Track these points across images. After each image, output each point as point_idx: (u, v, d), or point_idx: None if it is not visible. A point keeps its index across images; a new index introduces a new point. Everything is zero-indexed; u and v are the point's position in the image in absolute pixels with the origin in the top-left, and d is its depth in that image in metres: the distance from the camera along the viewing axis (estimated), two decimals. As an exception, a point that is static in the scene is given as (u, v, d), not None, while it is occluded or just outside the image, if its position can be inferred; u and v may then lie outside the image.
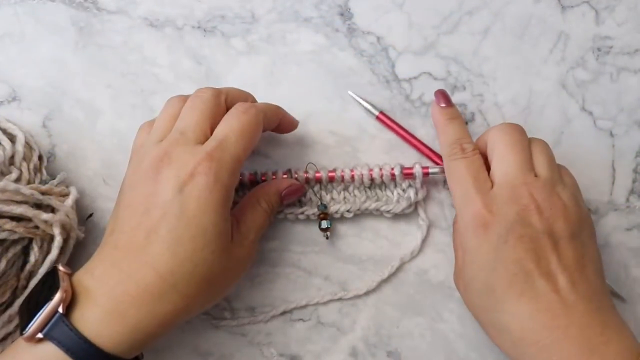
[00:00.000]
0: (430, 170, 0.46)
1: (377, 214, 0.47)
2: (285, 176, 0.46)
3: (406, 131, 0.48)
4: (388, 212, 0.47)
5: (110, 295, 0.35)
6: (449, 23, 0.51)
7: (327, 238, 0.47)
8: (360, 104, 0.49)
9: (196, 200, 0.36)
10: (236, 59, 0.51)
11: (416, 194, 0.46)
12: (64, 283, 0.36)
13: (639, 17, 0.51)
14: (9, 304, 0.42)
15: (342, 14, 0.52)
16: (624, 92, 0.50)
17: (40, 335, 0.34)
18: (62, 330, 0.34)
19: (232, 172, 0.38)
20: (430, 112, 0.47)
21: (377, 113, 0.48)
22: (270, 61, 0.51)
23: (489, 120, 0.50)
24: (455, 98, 0.50)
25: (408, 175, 0.46)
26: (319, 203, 0.46)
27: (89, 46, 0.52)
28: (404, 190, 0.46)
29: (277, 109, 0.45)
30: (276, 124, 0.45)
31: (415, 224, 0.48)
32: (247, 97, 0.44)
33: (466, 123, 0.50)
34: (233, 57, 0.51)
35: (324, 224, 0.46)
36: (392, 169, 0.45)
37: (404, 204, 0.46)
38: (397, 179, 0.46)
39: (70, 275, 0.37)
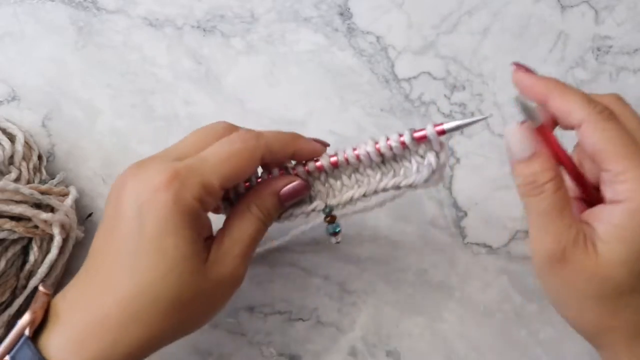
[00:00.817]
0: (445, 127, 0.37)
1: (395, 191, 0.40)
2: (282, 173, 0.40)
3: (563, 152, 0.34)
4: (409, 185, 0.39)
5: (73, 322, 0.33)
6: (449, 23, 0.51)
7: (337, 242, 0.41)
8: (524, 111, 0.33)
9: (154, 221, 0.33)
10: (236, 59, 0.51)
11: (437, 157, 0.38)
12: (35, 304, 0.34)
13: (638, 17, 0.51)
14: (8, 303, 0.42)
15: (341, 14, 0.52)
16: (624, 92, 0.49)
17: (7, 357, 0.33)
18: (26, 353, 0.33)
19: (198, 197, 0.34)
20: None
21: (537, 125, 0.33)
22: (269, 61, 0.51)
23: (488, 120, 0.50)
24: (454, 98, 0.50)
25: (421, 138, 0.37)
26: (324, 206, 0.40)
27: (89, 46, 0.52)
28: (422, 156, 0.38)
29: (291, 140, 0.39)
30: (287, 157, 0.39)
31: (415, 224, 0.48)
32: (286, 144, 0.38)
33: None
34: (233, 57, 0.51)
35: (332, 228, 0.40)
36: (401, 136, 0.37)
37: (425, 172, 0.38)
38: (410, 146, 0.37)
39: (49, 296, 0.35)
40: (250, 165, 0.36)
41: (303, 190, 0.39)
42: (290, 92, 0.51)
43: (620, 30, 0.51)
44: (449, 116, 0.50)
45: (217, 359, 0.47)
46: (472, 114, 0.50)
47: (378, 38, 0.51)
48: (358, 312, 0.48)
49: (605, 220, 0.31)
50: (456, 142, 0.50)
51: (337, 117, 0.50)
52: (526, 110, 0.32)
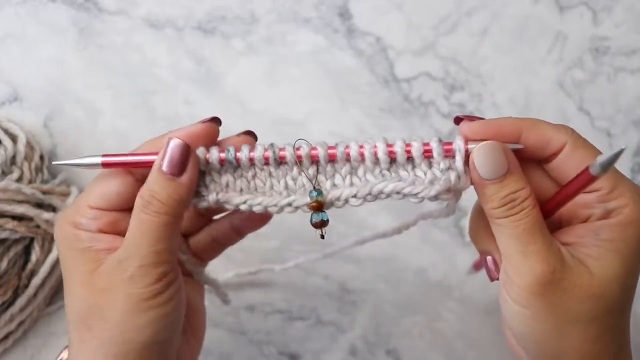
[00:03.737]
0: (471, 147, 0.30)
1: (397, 198, 0.31)
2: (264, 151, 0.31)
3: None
4: (415, 195, 0.30)
5: None
6: (448, 24, 0.51)
7: (322, 237, 0.32)
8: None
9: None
10: (236, 60, 0.52)
11: (458, 178, 0.31)
12: None
13: (636, 18, 0.51)
14: (10, 302, 0.43)
15: (341, 15, 0.52)
16: (621, 93, 0.50)
17: None
18: None
19: (71, 220, 0.32)
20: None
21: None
22: (270, 61, 0.52)
23: (488, 120, 0.50)
24: (453, 98, 0.50)
25: (448, 153, 0.30)
26: (312, 188, 0.31)
27: (90, 47, 0.52)
28: (441, 171, 0.31)
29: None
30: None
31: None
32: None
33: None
34: (233, 58, 0.52)
35: (317, 216, 0.31)
36: (426, 144, 0.30)
37: (441, 185, 0.30)
38: (435, 155, 0.30)
39: None
40: (114, 180, 0.33)
41: (184, 149, 0.31)
42: (290, 93, 0.51)
43: (618, 31, 0.51)
44: (448, 116, 0.50)
45: (218, 357, 0.48)
46: (471, 114, 0.50)
47: (377, 39, 0.51)
48: (358, 311, 0.48)
49: (591, 237, 0.30)
50: (455, 142, 0.50)
51: (337, 117, 0.50)
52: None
